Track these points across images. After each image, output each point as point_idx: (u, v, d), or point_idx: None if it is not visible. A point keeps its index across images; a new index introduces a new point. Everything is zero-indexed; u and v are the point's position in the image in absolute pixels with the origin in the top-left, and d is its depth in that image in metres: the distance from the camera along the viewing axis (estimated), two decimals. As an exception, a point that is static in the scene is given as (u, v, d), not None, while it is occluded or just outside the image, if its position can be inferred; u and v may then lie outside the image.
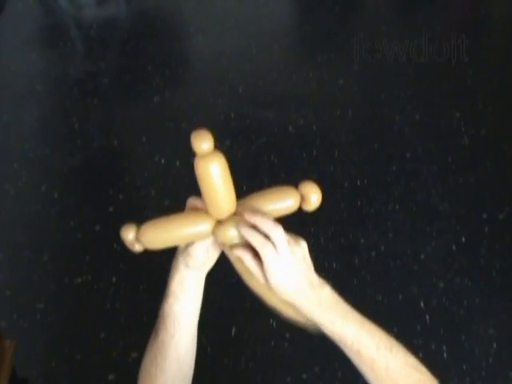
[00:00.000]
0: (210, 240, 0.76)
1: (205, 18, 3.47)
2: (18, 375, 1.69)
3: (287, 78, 2.95)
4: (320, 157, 2.51)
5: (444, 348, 1.86)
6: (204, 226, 0.74)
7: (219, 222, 0.74)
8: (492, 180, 2.43)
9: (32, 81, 3.04)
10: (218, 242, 0.75)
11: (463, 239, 2.20)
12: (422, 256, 2.14)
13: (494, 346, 1.87)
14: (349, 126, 2.68)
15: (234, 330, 1.89)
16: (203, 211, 0.75)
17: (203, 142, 0.70)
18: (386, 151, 2.56)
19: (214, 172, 0.71)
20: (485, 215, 2.28)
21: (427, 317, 1.96)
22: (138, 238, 0.76)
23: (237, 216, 0.74)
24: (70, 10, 3.68)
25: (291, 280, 0.70)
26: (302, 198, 0.77)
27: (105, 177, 2.54)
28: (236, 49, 3.18)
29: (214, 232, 0.74)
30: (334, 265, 2.12)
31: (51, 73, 3.16)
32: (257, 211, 0.72)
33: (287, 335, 1.89)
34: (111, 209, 2.35)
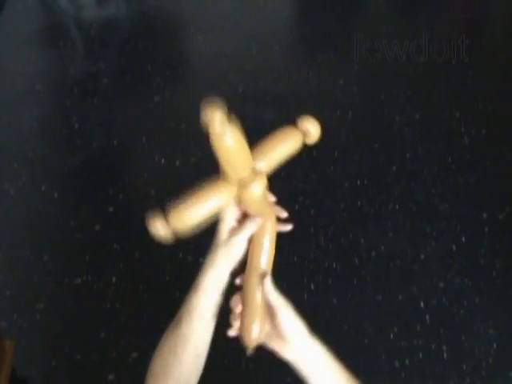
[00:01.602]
0: (250, 230, 0.81)
1: (205, 18, 3.47)
2: (17, 375, 1.70)
3: (287, 78, 2.95)
4: (320, 157, 2.51)
5: (444, 348, 1.86)
6: (228, 191, 0.79)
7: (241, 184, 0.79)
8: (492, 180, 2.43)
9: (32, 81, 3.04)
10: (242, 205, 0.80)
11: (463, 239, 2.20)
12: (422, 256, 2.14)
13: (494, 346, 1.87)
14: (349, 126, 2.68)
15: (233, 330, 1.89)
16: (222, 179, 0.79)
17: (216, 123, 0.73)
18: (386, 151, 2.56)
19: (230, 147, 0.75)
20: (485, 215, 2.28)
21: (427, 317, 1.96)
22: (168, 229, 0.77)
23: (256, 173, 0.79)
24: (70, 10, 3.68)
25: (301, 327, 0.79)
26: (304, 134, 0.82)
27: (105, 177, 2.54)
28: (236, 49, 3.18)
29: (238, 195, 0.79)
30: (334, 265, 2.12)
31: (51, 73, 3.15)
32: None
33: (287, 335, 1.89)
34: (111, 209, 2.35)
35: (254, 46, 3.16)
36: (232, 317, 0.83)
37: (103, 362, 1.86)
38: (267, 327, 0.81)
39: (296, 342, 0.79)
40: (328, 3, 3.57)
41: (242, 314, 0.82)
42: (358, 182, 2.42)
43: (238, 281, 0.84)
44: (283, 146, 0.83)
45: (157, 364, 0.82)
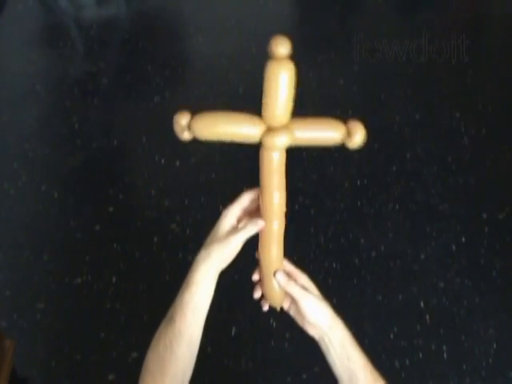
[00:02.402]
0: (249, 231, 0.83)
1: (205, 18, 3.47)
2: (17, 375, 1.70)
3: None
4: (320, 157, 2.51)
5: (444, 348, 1.86)
6: (255, 128, 0.78)
7: (269, 130, 0.78)
8: (492, 180, 2.43)
9: (32, 81, 3.04)
10: (264, 147, 0.80)
11: (463, 239, 2.20)
12: (422, 256, 2.14)
13: (494, 346, 1.87)
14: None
15: (233, 330, 1.89)
16: (257, 116, 0.79)
17: (282, 46, 0.73)
18: (386, 151, 2.56)
19: (282, 77, 0.75)
20: (485, 215, 2.28)
21: (427, 317, 1.96)
22: (189, 126, 0.78)
23: (288, 127, 0.78)
24: (70, 10, 3.68)
25: (324, 312, 0.85)
26: (348, 134, 0.81)
27: (105, 177, 2.54)
28: (236, 49, 3.18)
29: (262, 137, 0.78)
30: (334, 265, 2.12)
31: (51, 73, 3.15)
32: (293, 269, 0.89)
33: (287, 335, 1.89)
34: (111, 209, 2.36)
35: (253, 46, 3.16)
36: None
37: (103, 362, 1.86)
38: (293, 310, 0.88)
39: (319, 324, 0.84)
40: (328, 3, 3.57)
41: (261, 282, 0.89)
42: (358, 182, 2.42)
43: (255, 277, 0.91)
44: (323, 132, 0.82)
45: (152, 361, 0.82)
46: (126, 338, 1.91)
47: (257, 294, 0.91)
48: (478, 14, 3.56)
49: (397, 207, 2.32)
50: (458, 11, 3.59)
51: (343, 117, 0.82)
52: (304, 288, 0.87)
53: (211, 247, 0.83)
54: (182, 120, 0.78)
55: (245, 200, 0.87)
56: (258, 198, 0.86)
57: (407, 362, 1.82)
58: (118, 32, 3.44)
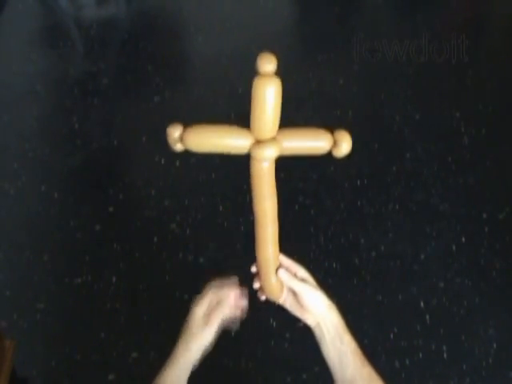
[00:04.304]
0: (221, 319, 0.94)
1: (205, 18, 3.47)
2: (17, 375, 1.69)
3: (287, 78, 2.93)
4: (320, 157, 2.51)
5: (444, 348, 1.86)
6: (244, 140, 0.81)
7: (258, 142, 0.81)
8: (492, 180, 2.43)
9: (32, 81, 3.04)
10: (253, 158, 0.83)
11: (463, 239, 2.20)
12: (422, 256, 2.14)
13: (494, 346, 1.87)
14: (349, 126, 2.67)
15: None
16: (246, 129, 0.81)
17: (269, 63, 0.77)
18: (386, 151, 2.56)
19: (269, 93, 0.78)
20: (485, 215, 2.28)
21: (427, 317, 1.96)
22: (181, 138, 0.82)
23: (276, 139, 0.81)
24: (69, 10, 3.68)
25: (321, 300, 0.92)
26: (334, 144, 0.83)
27: (105, 177, 2.54)
28: (236, 49, 3.18)
29: (251, 149, 0.81)
30: (334, 265, 2.12)
31: (51, 73, 3.15)
32: (291, 263, 0.94)
33: (287, 335, 1.89)
34: (111, 209, 2.36)
35: (253, 46, 3.16)
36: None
37: (103, 362, 1.86)
38: (289, 301, 0.93)
39: (316, 310, 0.90)
40: (328, 3, 3.57)
41: (260, 277, 0.93)
42: (358, 182, 2.42)
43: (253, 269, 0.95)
44: (310, 142, 0.84)
45: None
46: (126, 338, 1.91)
47: (256, 285, 0.96)
48: (478, 13, 3.56)
49: (397, 207, 2.32)
50: (458, 11, 3.59)
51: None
52: (303, 280, 0.92)
53: (189, 336, 0.93)
54: (175, 132, 0.82)
55: (210, 296, 0.95)
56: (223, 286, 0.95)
57: (407, 362, 1.82)
58: (117, 32, 3.44)
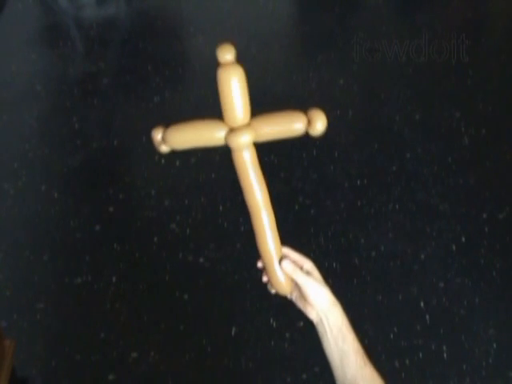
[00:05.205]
0: None
1: (205, 18, 3.47)
2: (17, 375, 1.69)
3: (287, 78, 2.95)
4: (320, 157, 2.51)
5: (444, 348, 1.86)
6: (218, 131, 0.83)
7: (232, 130, 0.83)
8: (492, 180, 2.43)
9: (32, 81, 3.04)
10: (232, 148, 0.85)
11: (463, 239, 2.20)
12: (422, 256, 2.14)
13: (494, 346, 1.87)
14: (349, 126, 2.68)
15: (233, 330, 1.89)
16: (220, 120, 0.84)
17: (227, 53, 0.81)
18: (386, 151, 2.56)
19: (233, 81, 0.81)
20: (485, 215, 2.28)
21: (427, 317, 1.96)
22: (164, 139, 0.85)
23: (250, 125, 0.83)
24: (69, 10, 3.68)
25: (325, 295, 0.91)
26: (309, 123, 0.83)
27: (105, 177, 2.54)
28: (236, 49, 3.18)
29: (226, 138, 0.83)
30: (334, 265, 2.12)
31: (51, 73, 3.15)
32: (298, 256, 0.94)
33: (287, 335, 1.89)
34: (111, 209, 2.36)
35: (253, 46, 3.16)
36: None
37: (103, 362, 1.86)
38: (295, 294, 0.93)
39: (319, 306, 0.89)
40: (328, 3, 3.57)
41: (265, 272, 0.93)
42: (358, 182, 2.42)
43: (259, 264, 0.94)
44: (285, 124, 0.84)
45: None
46: (126, 338, 1.91)
47: (265, 278, 0.95)
48: (478, 14, 3.56)
49: (397, 207, 2.32)
50: (458, 11, 3.59)
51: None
52: (308, 274, 0.92)
53: None
54: (157, 135, 0.84)
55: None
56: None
57: (407, 362, 1.82)
58: (117, 32, 3.44)
